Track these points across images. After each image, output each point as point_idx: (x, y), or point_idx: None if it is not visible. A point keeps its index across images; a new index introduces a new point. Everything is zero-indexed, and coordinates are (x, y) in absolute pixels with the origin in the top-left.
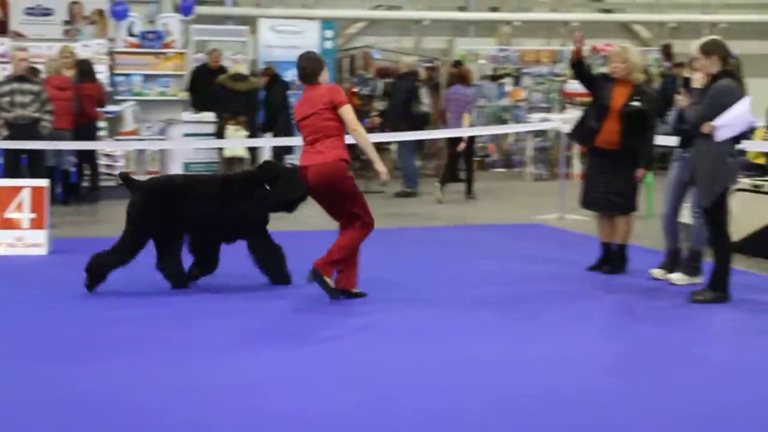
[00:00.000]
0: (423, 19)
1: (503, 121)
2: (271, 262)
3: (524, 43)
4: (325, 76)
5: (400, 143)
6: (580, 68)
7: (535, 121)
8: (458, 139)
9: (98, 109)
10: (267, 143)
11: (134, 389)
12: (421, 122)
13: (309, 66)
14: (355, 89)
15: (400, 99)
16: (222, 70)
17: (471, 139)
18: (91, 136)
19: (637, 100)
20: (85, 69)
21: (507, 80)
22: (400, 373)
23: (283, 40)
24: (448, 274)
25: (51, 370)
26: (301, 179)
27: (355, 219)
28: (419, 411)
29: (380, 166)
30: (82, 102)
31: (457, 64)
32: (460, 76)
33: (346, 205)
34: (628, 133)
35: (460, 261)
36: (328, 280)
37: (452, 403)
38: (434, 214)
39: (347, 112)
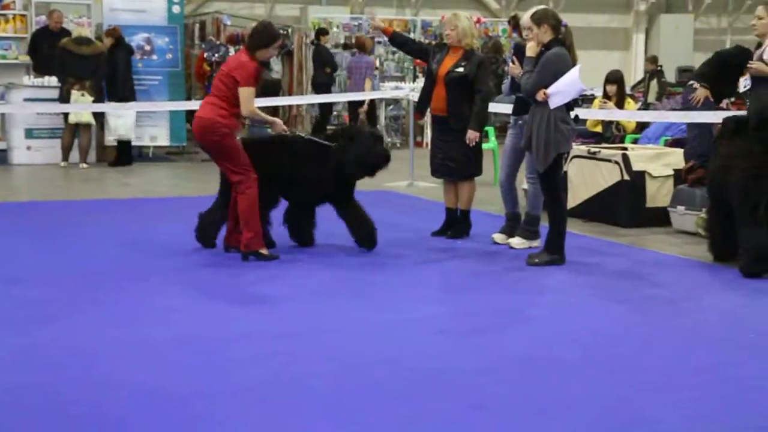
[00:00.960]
0: None
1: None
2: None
3: (377, 12)
4: (264, 53)
5: None
6: (397, 43)
7: (388, 90)
8: (359, 104)
9: None
10: (111, 108)
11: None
12: (273, 90)
13: (252, 36)
14: (205, 55)
15: None
16: (65, 32)
17: (372, 102)
18: None
19: (462, 66)
20: None
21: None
22: (234, 340)
23: (129, 3)
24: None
25: None
26: (379, 143)
27: (233, 176)
28: (271, 373)
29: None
30: None
31: (321, 32)
32: (359, 44)
33: (221, 161)
34: (454, 100)
35: None
36: (262, 252)
37: (289, 367)
38: None
39: (242, 93)
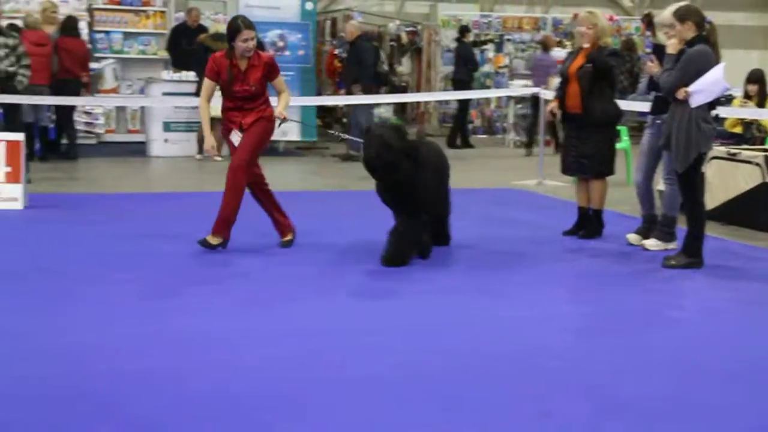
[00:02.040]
0: None
1: (485, 88)
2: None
3: (506, 10)
4: (237, 46)
5: (357, 104)
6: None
7: (517, 88)
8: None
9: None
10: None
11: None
12: (383, 83)
13: None
14: (336, 52)
15: (369, 61)
16: (201, 29)
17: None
18: (74, 93)
19: (591, 61)
20: (69, 25)
21: (489, 47)
22: (367, 332)
23: (264, 0)
24: None
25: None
26: (372, 147)
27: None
28: (389, 368)
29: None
30: (64, 58)
31: (464, 30)
32: (544, 43)
33: None
34: (587, 94)
35: None
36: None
37: (419, 361)
38: None
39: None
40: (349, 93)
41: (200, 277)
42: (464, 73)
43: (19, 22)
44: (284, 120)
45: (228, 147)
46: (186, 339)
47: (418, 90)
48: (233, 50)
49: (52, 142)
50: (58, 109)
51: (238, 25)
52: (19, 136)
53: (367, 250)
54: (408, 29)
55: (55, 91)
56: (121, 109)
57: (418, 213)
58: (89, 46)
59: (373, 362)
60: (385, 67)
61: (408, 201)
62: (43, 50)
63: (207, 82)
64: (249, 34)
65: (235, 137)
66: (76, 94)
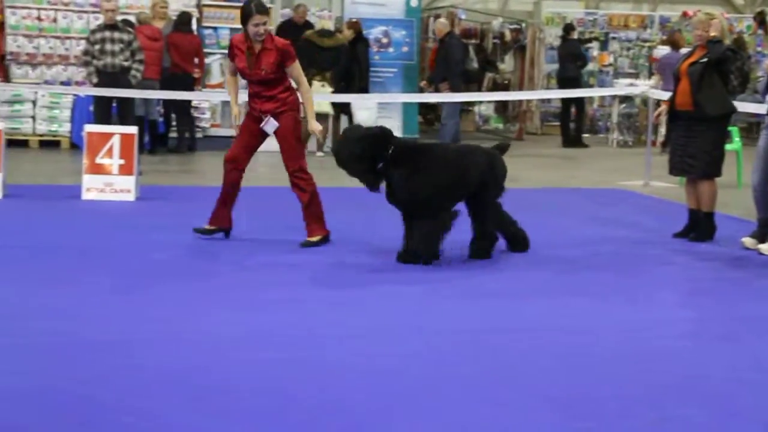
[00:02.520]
0: None
1: (589, 86)
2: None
3: (612, 7)
4: (248, 30)
5: (446, 103)
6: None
7: (622, 87)
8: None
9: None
10: (353, 99)
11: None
12: (474, 80)
13: None
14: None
15: (457, 58)
16: (308, 25)
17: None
18: (187, 88)
19: (708, 57)
20: (182, 20)
21: (594, 44)
22: (480, 333)
23: None
24: (530, 236)
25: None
26: (340, 143)
27: None
28: (501, 369)
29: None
30: (174, 54)
31: (569, 28)
32: (672, 41)
33: None
34: (698, 89)
35: (543, 223)
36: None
37: (530, 363)
38: (518, 177)
39: None
40: (436, 91)
41: (297, 272)
42: (573, 70)
43: (132, 18)
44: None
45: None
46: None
47: (520, 88)
48: (248, 34)
49: (160, 136)
50: (170, 103)
51: (250, 9)
52: (133, 130)
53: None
54: (512, 27)
55: (166, 86)
56: (226, 104)
57: (420, 213)
58: None
59: (488, 361)
60: (475, 65)
61: (392, 200)
62: (156, 45)
63: (228, 63)
64: (260, 18)
65: (269, 126)
66: (187, 88)
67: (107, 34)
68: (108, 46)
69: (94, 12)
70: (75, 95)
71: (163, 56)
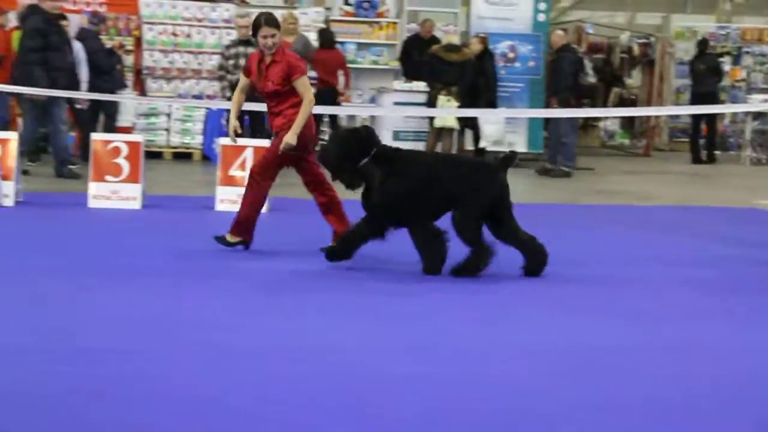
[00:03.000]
0: None
1: (720, 102)
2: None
3: (745, 21)
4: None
5: (562, 119)
6: None
7: (756, 103)
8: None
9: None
10: (478, 114)
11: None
12: (587, 95)
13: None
14: None
15: (567, 71)
16: (434, 40)
17: None
18: (332, 101)
19: None
20: (326, 37)
21: (725, 59)
22: (601, 352)
23: (496, 11)
24: (658, 253)
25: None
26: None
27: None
28: (630, 393)
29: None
30: (319, 69)
31: (704, 43)
32: None
33: None
34: None
35: (676, 242)
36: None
37: (662, 387)
38: (648, 194)
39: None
40: (548, 105)
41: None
42: (711, 85)
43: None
44: (290, 147)
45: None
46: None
47: (648, 103)
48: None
49: None
50: (317, 116)
51: (259, 22)
52: (265, 143)
53: (606, 268)
54: (640, 41)
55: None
56: (350, 118)
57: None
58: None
59: (621, 386)
60: (591, 79)
61: (364, 202)
62: None
63: (241, 77)
64: (268, 31)
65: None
66: (333, 103)
67: (241, 49)
68: (242, 61)
69: (226, 28)
70: (207, 108)
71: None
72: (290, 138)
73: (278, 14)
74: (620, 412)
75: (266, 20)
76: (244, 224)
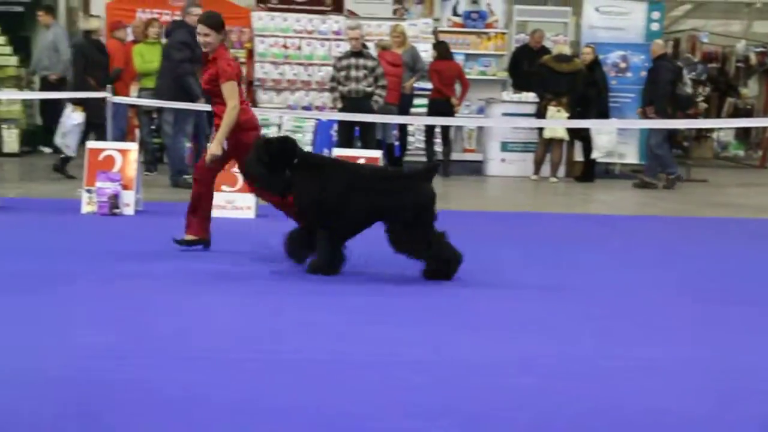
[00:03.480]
0: (754, 2)
1: None
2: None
3: None
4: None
5: (653, 130)
6: None
7: None
8: None
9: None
10: (589, 125)
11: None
12: (686, 105)
13: None
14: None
15: (665, 80)
16: (543, 50)
17: None
18: (447, 112)
19: None
20: (442, 48)
21: None
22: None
23: (607, 21)
24: None
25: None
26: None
27: None
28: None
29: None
30: (437, 79)
31: None
32: None
33: None
34: None
35: None
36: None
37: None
38: (766, 207)
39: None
40: (644, 116)
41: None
42: None
43: (370, 45)
44: (215, 158)
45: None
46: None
47: (765, 114)
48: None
49: (397, 159)
50: (432, 128)
51: (199, 19)
52: (377, 153)
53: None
54: (757, 50)
55: (432, 111)
56: (457, 129)
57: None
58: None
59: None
60: (688, 89)
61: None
62: (396, 71)
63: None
64: (203, 29)
65: None
66: (448, 114)
67: (352, 60)
68: (353, 73)
69: (335, 40)
70: (317, 120)
71: (402, 81)
72: (214, 149)
73: (387, 26)
74: None
75: (201, 20)
76: (200, 221)
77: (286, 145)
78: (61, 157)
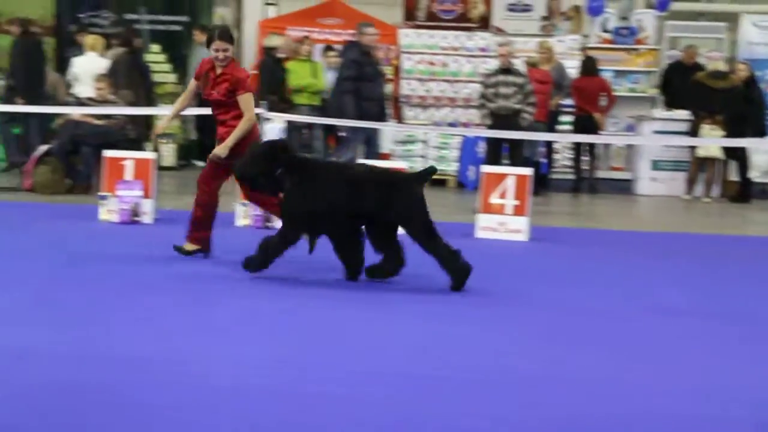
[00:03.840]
0: None
1: None
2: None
3: None
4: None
5: None
6: None
7: None
8: None
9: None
10: (746, 143)
11: None
12: None
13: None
14: None
15: None
16: (697, 67)
17: None
18: (591, 129)
19: None
20: (588, 65)
21: None
22: None
23: (767, 36)
24: None
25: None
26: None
27: None
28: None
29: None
30: (578, 96)
31: None
32: None
33: None
34: None
35: None
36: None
37: None
38: None
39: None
40: None
41: None
42: None
43: (516, 62)
44: (218, 158)
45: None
46: None
47: None
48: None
49: (542, 177)
50: (579, 144)
51: (212, 35)
52: (527, 171)
53: None
54: None
55: (578, 128)
56: (606, 146)
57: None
58: None
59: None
60: None
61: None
62: (544, 88)
63: (191, 81)
64: (220, 45)
65: None
66: (592, 131)
67: (501, 77)
68: (502, 90)
69: (482, 56)
70: (463, 136)
71: (549, 99)
72: (220, 150)
73: (534, 42)
74: None
75: (219, 35)
76: (200, 231)
77: (275, 145)
78: None
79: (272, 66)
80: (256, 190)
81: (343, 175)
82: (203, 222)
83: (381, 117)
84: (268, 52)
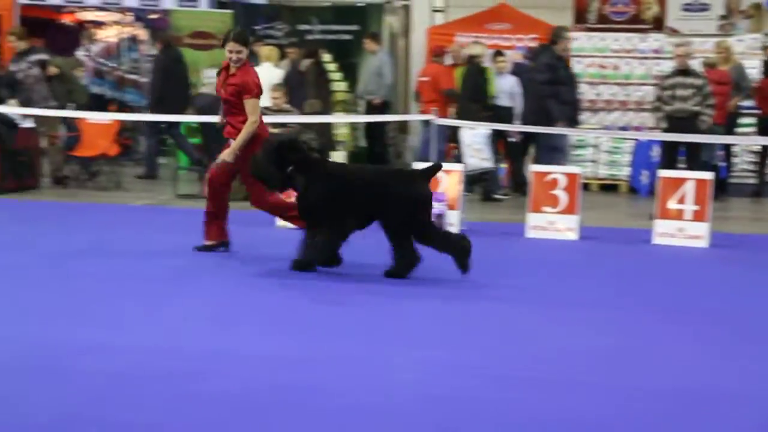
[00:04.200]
0: None
1: None
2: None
3: None
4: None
5: None
6: None
7: None
8: None
9: None
10: None
11: None
12: None
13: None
14: None
15: None
16: None
17: None
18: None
19: None
20: None
21: None
22: None
23: None
24: None
25: None
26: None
27: None
28: None
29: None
30: (761, 99)
31: None
32: None
33: None
34: None
35: None
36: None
37: None
38: None
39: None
40: None
41: None
42: None
43: (694, 63)
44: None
45: None
46: None
47: None
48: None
49: (721, 181)
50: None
51: (227, 36)
52: (708, 175)
53: None
54: None
55: (761, 131)
56: None
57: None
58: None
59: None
60: None
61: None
62: (722, 89)
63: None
64: (233, 46)
65: None
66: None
67: (679, 79)
68: (679, 92)
69: (655, 58)
70: (635, 140)
71: (728, 100)
72: (227, 156)
73: (711, 42)
74: None
75: (234, 37)
76: (215, 227)
77: (287, 142)
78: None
79: (476, 74)
80: (268, 187)
81: (353, 175)
82: (220, 219)
83: (574, 121)
84: (471, 60)
